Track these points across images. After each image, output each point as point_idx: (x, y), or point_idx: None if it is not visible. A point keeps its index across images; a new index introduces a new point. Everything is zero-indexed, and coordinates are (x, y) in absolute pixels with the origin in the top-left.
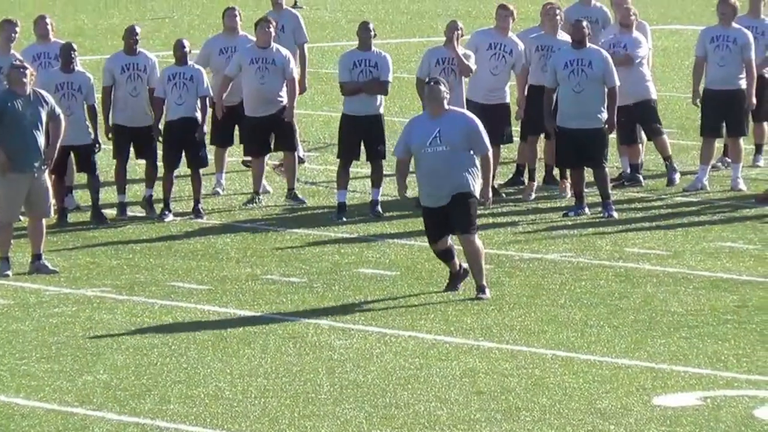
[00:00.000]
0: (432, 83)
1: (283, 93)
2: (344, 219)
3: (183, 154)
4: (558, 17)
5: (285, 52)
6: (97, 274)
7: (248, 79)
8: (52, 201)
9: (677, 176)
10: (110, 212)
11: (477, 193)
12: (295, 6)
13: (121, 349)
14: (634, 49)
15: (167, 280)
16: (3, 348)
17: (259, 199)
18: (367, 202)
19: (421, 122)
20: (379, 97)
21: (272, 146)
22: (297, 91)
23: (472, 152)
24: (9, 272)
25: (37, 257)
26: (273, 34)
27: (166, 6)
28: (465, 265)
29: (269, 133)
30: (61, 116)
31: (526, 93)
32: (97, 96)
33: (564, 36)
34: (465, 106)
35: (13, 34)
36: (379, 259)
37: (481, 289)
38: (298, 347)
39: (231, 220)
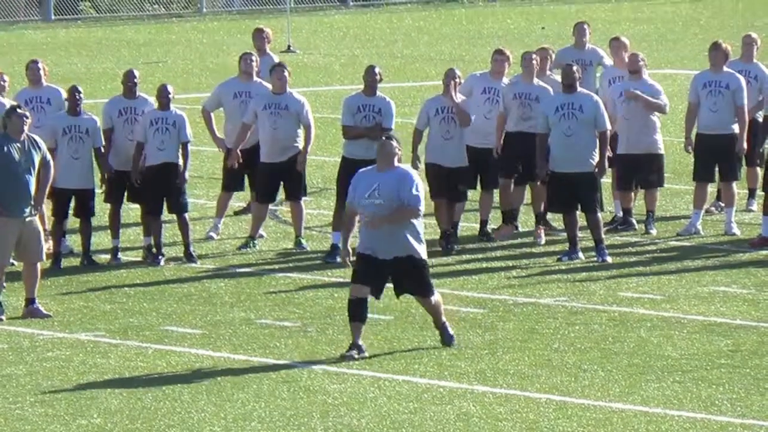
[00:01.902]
0: (385, 139)
1: (299, 139)
2: (337, 260)
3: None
4: (534, 62)
5: (299, 98)
6: (90, 319)
7: (262, 125)
8: (47, 245)
9: (654, 232)
10: (103, 257)
11: (424, 256)
12: (288, 50)
13: (114, 394)
14: (657, 98)
15: (161, 324)
16: None
17: (254, 243)
18: None
19: (367, 175)
20: None
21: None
22: (312, 138)
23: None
24: (2, 316)
25: (30, 301)
26: (288, 80)
27: (160, 51)
28: (360, 342)
29: (279, 180)
30: (51, 162)
31: (502, 140)
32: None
33: (542, 81)
34: (466, 156)
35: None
36: (373, 303)
37: (445, 332)
38: (291, 391)
39: (224, 265)
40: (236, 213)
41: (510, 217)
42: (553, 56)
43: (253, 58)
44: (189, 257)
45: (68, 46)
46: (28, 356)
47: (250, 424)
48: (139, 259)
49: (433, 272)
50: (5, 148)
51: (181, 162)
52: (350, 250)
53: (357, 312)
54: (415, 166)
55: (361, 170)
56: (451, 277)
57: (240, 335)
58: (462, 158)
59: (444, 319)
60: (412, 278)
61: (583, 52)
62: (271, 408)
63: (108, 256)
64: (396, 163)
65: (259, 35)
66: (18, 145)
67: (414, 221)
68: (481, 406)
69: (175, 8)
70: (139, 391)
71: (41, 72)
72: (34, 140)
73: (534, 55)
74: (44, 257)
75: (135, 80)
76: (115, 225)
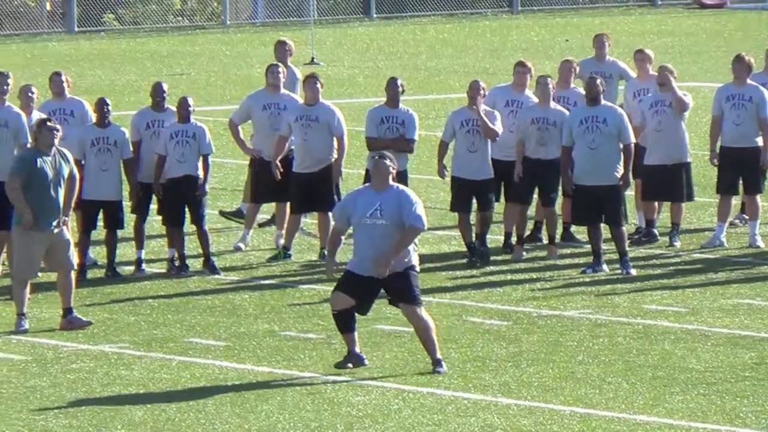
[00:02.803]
0: (377, 157)
1: (332, 150)
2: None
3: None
4: (550, 86)
5: (331, 108)
6: (114, 330)
7: (295, 137)
8: (74, 253)
9: (678, 244)
10: (127, 268)
11: (416, 263)
12: (312, 62)
13: (138, 405)
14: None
15: (185, 336)
16: (21, 404)
17: (289, 254)
18: None
19: (364, 194)
20: (404, 154)
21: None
22: (345, 149)
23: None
24: (26, 327)
25: (68, 311)
26: (320, 91)
27: (183, 63)
28: (357, 350)
29: (312, 191)
30: (77, 176)
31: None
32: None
33: (566, 94)
34: (491, 168)
35: (5, 87)
36: (397, 315)
37: (436, 363)
38: (316, 403)
39: (249, 276)
40: (260, 225)
41: (524, 238)
42: (577, 69)
43: (280, 69)
44: (211, 269)
45: (92, 58)
46: (52, 368)
47: None
48: (163, 270)
49: (458, 284)
50: (37, 162)
51: (201, 174)
52: (336, 261)
53: (344, 324)
54: (441, 175)
55: (356, 189)
56: (475, 289)
57: (264, 347)
58: (487, 170)
59: (434, 338)
60: (402, 283)
61: (603, 65)
62: (295, 420)
63: (132, 268)
64: (391, 182)
65: (281, 47)
66: (48, 158)
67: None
68: (506, 418)
69: (198, 20)
70: (163, 402)
71: (64, 84)
72: (63, 153)
73: (549, 79)
74: (75, 265)
75: (164, 94)
76: (140, 236)
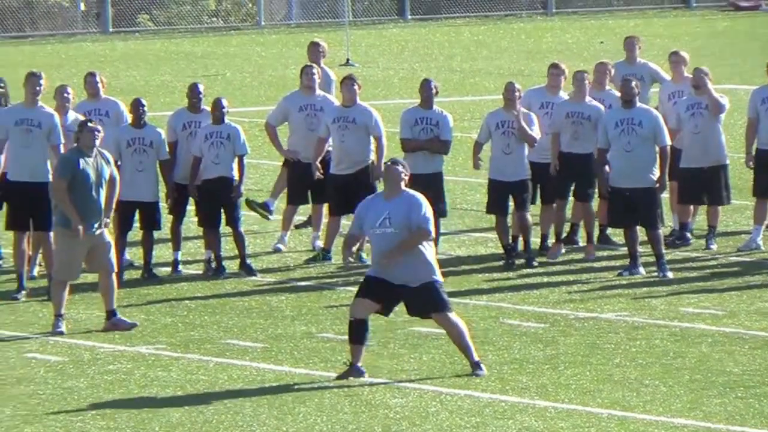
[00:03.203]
0: (389, 163)
1: (369, 151)
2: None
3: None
4: (586, 81)
5: (368, 109)
6: (151, 332)
7: (333, 138)
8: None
9: (715, 247)
10: (164, 270)
11: (436, 277)
12: (347, 63)
13: (176, 407)
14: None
15: (222, 337)
16: (58, 405)
17: (329, 256)
18: None
19: (375, 203)
20: (439, 155)
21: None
22: (384, 150)
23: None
24: (62, 330)
25: (112, 314)
26: (358, 92)
27: (218, 63)
28: (360, 365)
29: (350, 193)
30: (117, 178)
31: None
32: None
33: (602, 96)
34: (528, 168)
35: (38, 87)
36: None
37: (475, 366)
38: (353, 405)
39: (285, 278)
40: (297, 227)
41: (561, 236)
42: (612, 71)
43: (314, 70)
44: (248, 270)
45: (126, 59)
46: (89, 369)
47: None
48: (200, 272)
49: (495, 286)
50: (80, 163)
51: (236, 175)
52: (353, 251)
53: (357, 334)
54: (476, 166)
55: (367, 198)
56: (512, 291)
57: (301, 349)
58: (522, 172)
59: (469, 342)
60: (427, 295)
61: (634, 67)
62: (332, 422)
63: (169, 269)
64: (402, 187)
65: (314, 48)
66: (90, 159)
67: (421, 247)
68: (543, 420)
69: (233, 21)
70: (200, 404)
71: (99, 84)
72: (105, 155)
73: (586, 74)
74: (116, 267)
75: (200, 95)
76: (177, 238)
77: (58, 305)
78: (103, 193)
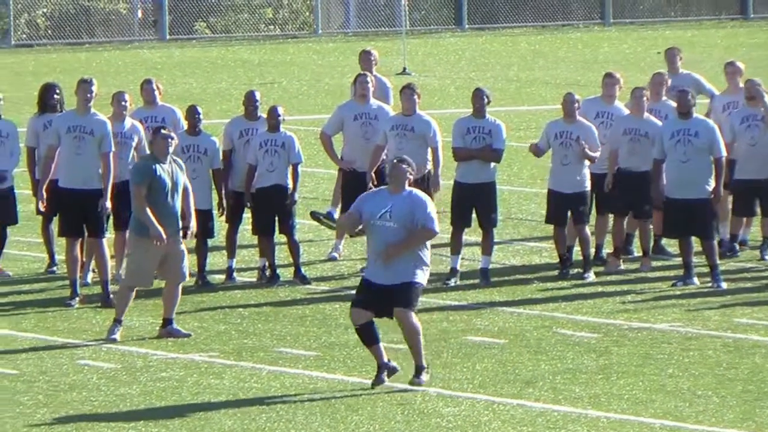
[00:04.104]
0: (396, 161)
1: (426, 161)
2: (455, 282)
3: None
4: (645, 99)
5: (427, 119)
6: (204, 339)
7: (389, 145)
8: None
9: None
10: (218, 277)
11: (423, 281)
12: (403, 72)
13: (228, 414)
14: None
15: (275, 345)
16: (111, 412)
17: None
18: (476, 270)
19: (379, 195)
20: (491, 164)
21: None
22: (441, 160)
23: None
24: (117, 336)
25: (168, 322)
26: (417, 101)
27: (275, 72)
28: (393, 363)
29: None
30: (190, 186)
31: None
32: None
33: (658, 107)
34: (587, 180)
35: (89, 94)
36: (488, 326)
37: (418, 370)
38: (406, 414)
39: (339, 286)
40: (351, 235)
41: (620, 251)
42: (669, 81)
43: (368, 79)
44: (301, 279)
45: (183, 66)
46: (141, 376)
47: None
48: (254, 280)
49: (548, 296)
50: (156, 171)
51: (290, 184)
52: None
53: (367, 337)
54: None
55: (373, 190)
56: (565, 301)
57: (354, 357)
58: (580, 184)
59: (423, 351)
60: (402, 290)
61: (677, 77)
62: (385, 430)
63: (222, 277)
64: (407, 186)
65: (366, 57)
66: (165, 165)
67: (425, 248)
68: (596, 431)
69: (290, 29)
70: (253, 412)
71: (156, 92)
72: (178, 162)
73: (645, 91)
74: (187, 277)
75: (256, 102)
76: (232, 245)
77: (120, 311)
78: (178, 200)
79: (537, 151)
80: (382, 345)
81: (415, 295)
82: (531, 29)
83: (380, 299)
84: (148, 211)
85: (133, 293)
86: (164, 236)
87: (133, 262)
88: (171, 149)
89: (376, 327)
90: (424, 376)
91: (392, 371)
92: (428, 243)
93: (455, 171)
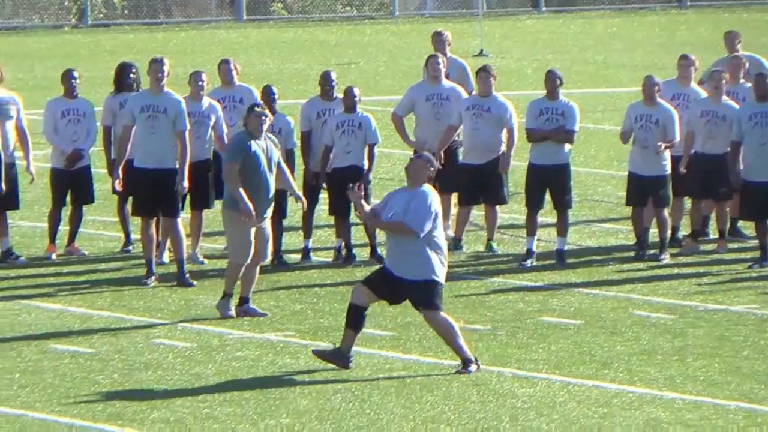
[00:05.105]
0: (415, 157)
1: (500, 143)
2: (531, 263)
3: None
4: (723, 81)
5: (503, 101)
6: (280, 318)
7: (465, 127)
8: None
9: None
10: (294, 257)
11: (442, 278)
12: (480, 54)
13: (303, 394)
14: None
15: None
16: (186, 390)
17: (460, 245)
18: (552, 251)
19: (400, 192)
20: (565, 146)
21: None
22: (515, 142)
23: (433, 235)
24: (232, 312)
25: (245, 300)
26: (493, 82)
27: (352, 52)
28: (352, 358)
29: (480, 183)
30: (284, 165)
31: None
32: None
33: (736, 89)
34: (668, 163)
35: (160, 74)
36: (564, 307)
37: (465, 363)
38: (481, 394)
39: None
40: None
41: (698, 233)
42: (747, 65)
43: (440, 60)
44: (378, 259)
45: (260, 46)
46: (217, 355)
47: (439, 426)
48: (330, 260)
49: (624, 277)
50: (251, 147)
51: (366, 164)
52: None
53: (354, 319)
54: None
55: (397, 189)
56: (641, 282)
57: (430, 338)
58: (660, 168)
59: (460, 341)
60: (421, 292)
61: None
62: (460, 410)
63: (298, 257)
64: (421, 182)
65: (438, 38)
66: (261, 142)
67: (427, 247)
68: (671, 412)
69: (367, 10)
70: (328, 391)
71: (233, 72)
72: (272, 139)
73: (723, 74)
74: (268, 258)
75: (332, 83)
76: (308, 225)
77: (230, 286)
78: (272, 178)
79: (624, 137)
80: (357, 336)
81: (436, 294)
82: (608, 12)
83: (394, 290)
84: (240, 186)
85: (242, 270)
86: (253, 213)
87: (235, 239)
88: (265, 127)
89: (365, 316)
90: (473, 367)
91: (344, 364)
92: (444, 246)
93: (529, 153)
